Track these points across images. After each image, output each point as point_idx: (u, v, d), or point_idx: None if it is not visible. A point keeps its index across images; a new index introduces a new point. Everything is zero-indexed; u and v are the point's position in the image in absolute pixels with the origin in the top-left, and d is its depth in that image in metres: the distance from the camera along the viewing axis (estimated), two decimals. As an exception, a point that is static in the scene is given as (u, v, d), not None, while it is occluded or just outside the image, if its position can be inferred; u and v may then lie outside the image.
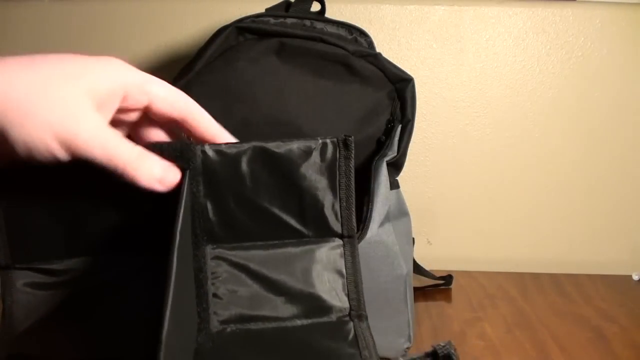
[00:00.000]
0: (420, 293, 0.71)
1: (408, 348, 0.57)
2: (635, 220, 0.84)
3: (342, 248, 0.43)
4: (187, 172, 0.39)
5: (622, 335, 0.62)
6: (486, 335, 0.62)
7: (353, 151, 0.42)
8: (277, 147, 0.41)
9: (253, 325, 0.42)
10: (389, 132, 0.61)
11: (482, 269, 0.81)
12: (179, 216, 0.35)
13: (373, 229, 0.54)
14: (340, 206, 0.43)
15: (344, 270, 0.43)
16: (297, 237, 0.43)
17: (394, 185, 0.62)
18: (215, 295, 0.41)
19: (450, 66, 0.81)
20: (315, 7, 0.64)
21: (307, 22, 0.60)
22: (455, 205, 0.84)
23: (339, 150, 0.42)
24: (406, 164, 0.63)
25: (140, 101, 0.38)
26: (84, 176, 0.37)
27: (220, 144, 0.41)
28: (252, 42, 0.58)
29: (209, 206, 0.41)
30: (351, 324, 0.42)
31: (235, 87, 0.58)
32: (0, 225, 0.39)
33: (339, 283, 0.43)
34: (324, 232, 0.43)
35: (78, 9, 0.81)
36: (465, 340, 0.61)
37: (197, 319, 0.41)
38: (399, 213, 0.60)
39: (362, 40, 0.62)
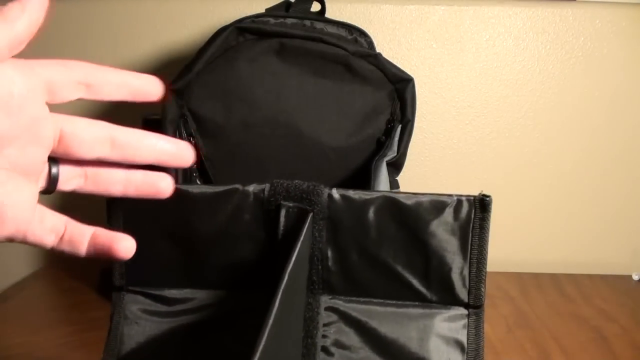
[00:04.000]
0: (420, 293, 0.71)
1: None
2: (635, 220, 0.84)
3: (466, 319, 0.39)
4: (310, 214, 0.37)
5: (622, 335, 0.62)
6: (486, 335, 0.62)
7: (490, 213, 0.39)
8: (408, 198, 0.38)
9: None
10: (389, 132, 0.61)
11: (482, 269, 0.80)
12: (292, 257, 0.33)
13: (373, 229, 0.54)
14: (470, 272, 0.39)
15: (465, 344, 0.39)
16: (418, 300, 0.39)
17: (394, 185, 0.62)
18: (324, 348, 0.39)
19: (450, 66, 0.81)
20: (315, 7, 0.64)
21: (307, 22, 0.60)
22: (455, 205, 0.84)
23: (475, 211, 0.39)
24: (406, 164, 0.63)
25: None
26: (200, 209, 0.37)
27: (348, 190, 0.38)
28: (252, 43, 0.58)
29: (330, 254, 0.39)
30: None
31: (235, 88, 0.58)
32: None
33: (457, 357, 0.39)
34: (448, 299, 0.39)
35: (78, 9, 0.81)
36: (465, 340, 0.61)
37: None
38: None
39: (362, 40, 0.62)
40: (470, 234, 0.39)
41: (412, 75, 0.60)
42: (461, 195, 0.39)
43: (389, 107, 0.61)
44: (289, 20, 0.59)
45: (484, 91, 0.81)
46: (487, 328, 0.63)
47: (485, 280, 0.39)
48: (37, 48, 0.89)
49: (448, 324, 0.39)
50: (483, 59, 0.81)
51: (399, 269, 0.39)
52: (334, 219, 0.38)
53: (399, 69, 0.60)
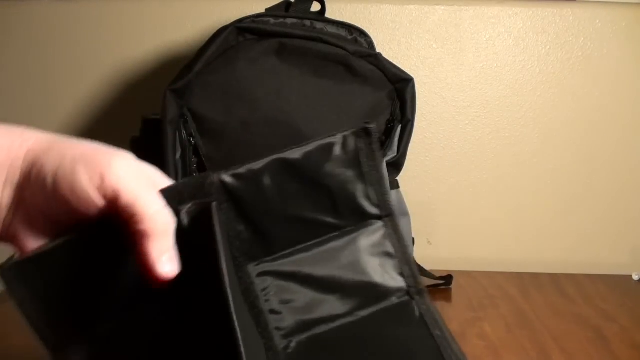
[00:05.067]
0: (421, 293, 0.71)
1: None
2: (635, 220, 0.84)
3: (384, 229, 0.42)
4: (214, 204, 0.37)
5: (622, 335, 0.62)
6: (486, 335, 0.62)
7: (375, 136, 0.41)
8: (295, 153, 0.40)
9: (317, 330, 0.40)
10: (389, 132, 0.61)
11: (482, 269, 0.80)
12: (219, 249, 0.33)
13: (373, 229, 0.54)
14: (375, 190, 0.41)
15: (391, 250, 0.42)
16: (336, 232, 0.41)
17: (394, 185, 0.62)
18: (271, 311, 0.40)
19: (450, 66, 0.81)
20: (316, 7, 0.64)
21: (307, 23, 0.60)
22: (455, 205, 0.84)
23: (360, 139, 0.41)
24: (406, 164, 0.63)
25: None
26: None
27: (235, 168, 0.39)
28: (252, 43, 0.58)
29: (243, 228, 0.40)
30: (413, 303, 0.41)
31: (235, 88, 0.58)
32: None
33: (389, 264, 0.41)
34: (362, 218, 0.41)
35: (78, 9, 0.81)
36: (465, 340, 0.61)
37: (261, 340, 0.39)
38: (399, 213, 0.60)
39: (362, 40, 0.62)
40: (362, 160, 0.41)
41: (412, 75, 0.60)
42: (344, 131, 0.41)
43: (389, 107, 0.61)
44: (289, 20, 0.59)
45: (484, 91, 0.81)
46: (487, 328, 0.64)
47: (389, 191, 0.42)
48: (37, 48, 0.90)
49: (370, 239, 0.41)
50: (483, 59, 0.81)
51: (310, 214, 0.40)
52: (235, 199, 0.39)
53: (399, 69, 0.60)
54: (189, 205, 0.37)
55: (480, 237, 0.85)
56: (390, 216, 0.42)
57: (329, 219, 0.41)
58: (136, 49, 0.82)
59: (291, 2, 0.63)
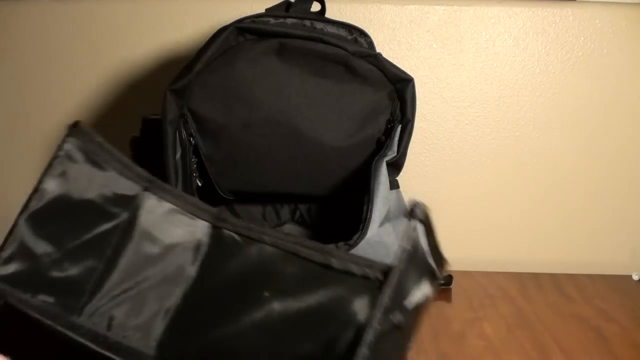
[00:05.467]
0: (421, 293, 0.71)
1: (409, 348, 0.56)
2: (635, 220, 0.84)
3: (154, 195, 0.43)
4: (8, 299, 0.36)
5: (622, 335, 0.62)
6: (486, 335, 0.62)
7: (85, 128, 0.41)
8: (38, 201, 0.40)
9: (170, 314, 0.41)
10: (389, 132, 0.61)
11: (482, 269, 0.80)
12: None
13: (373, 229, 0.54)
14: (120, 173, 0.42)
15: (172, 206, 0.42)
16: (118, 230, 0.42)
17: (394, 185, 0.62)
18: (125, 336, 0.40)
19: (450, 66, 0.81)
20: (316, 7, 0.64)
21: (307, 23, 0.60)
22: (455, 205, 0.84)
23: (78, 140, 0.41)
24: (406, 164, 0.63)
25: None
26: None
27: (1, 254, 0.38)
28: (252, 43, 0.58)
29: (44, 296, 0.39)
30: (223, 230, 0.42)
31: (235, 88, 0.58)
32: None
33: (180, 217, 0.43)
34: (129, 203, 0.42)
35: (78, 9, 0.81)
36: (465, 340, 0.61)
37: None
38: (399, 213, 0.60)
39: (362, 40, 0.62)
40: (94, 154, 0.41)
41: (412, 75, 0.60)
42: (61, 144, 0.40)
43: (389, 107, 0.61)
44: (289, 20, 0.59)
45: (484, 91, 0.81)
46: (487, 328, 0.64)
47: (133, 168, 0.42)
48: (37, 48, 0.90)
49: (150, 211, 0.42)
50: (483, 59, 0.81)
51: (88, 235, 0.40)
52: (19, 283, 0.38)
53: (399, 69, 0.60)
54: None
55: (480, 237, 0.85)
56: (151, 181, 0.42)
57: (105, 225, 0.41)
58: (136, 49, 0.82)
59: (291, 2, 0.63)
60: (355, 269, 0.36)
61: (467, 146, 0.83)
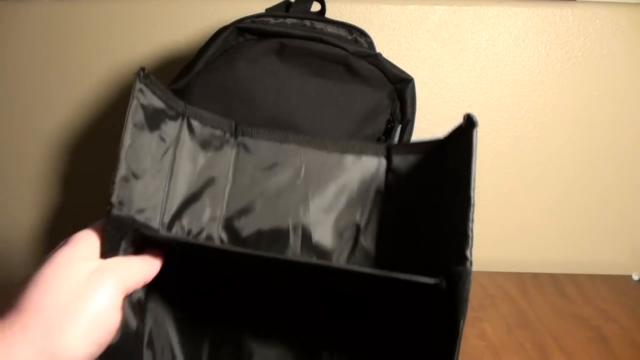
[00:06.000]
0: (421, 293, 0.71)
1: None
2: (635, 220, 0.84)
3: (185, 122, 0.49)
4: (142, 230, 0.41)
5: (622, 335, 0.62)
6: (486, 335, 0.62)
7: None
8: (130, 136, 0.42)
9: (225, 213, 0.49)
10: (389, 132, 0.61)
11: (482, 269, 0.80)
12: (182, 240, 0.40)
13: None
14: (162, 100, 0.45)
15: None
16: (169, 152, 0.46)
17: (394, 185, 0.62)
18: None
19: (450, 66, 0.81)
20: (316, 7, 0.64)
21: (307, 23, 0.60)
22: (455, 205, 0.84)
23: None
24: (406, 164, 0.63)
25: None
26: None
27: (113, 190, 0.41)
28: (252, 43, 0.58)
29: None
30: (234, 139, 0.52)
31: (235, 88, 0.58)
32: None
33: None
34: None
35: (78, 9, 0.81)
36: (465, 340, 0.61)
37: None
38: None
39: (362, 40, 0.62)
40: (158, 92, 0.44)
41: (412, 75, 0.60)
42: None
43: (389, 107, 0.61)
44: (289, 20, 0.59)
45: (484, 91, 0.81)
46: (487, 328, 0.64)
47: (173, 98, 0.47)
48: (37, 48, 0.89)
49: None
50: (483, 59, 0.81)
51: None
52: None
53: (399, 69, 0.60)
54: (123, 246, 0.40)
55: (480, 237, 0.85)
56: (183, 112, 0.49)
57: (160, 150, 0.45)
58: (136, 49, 0.82)
59: (291, 2, 0.63)
60: None
61: (467, 146, 0.83)
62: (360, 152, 0.51)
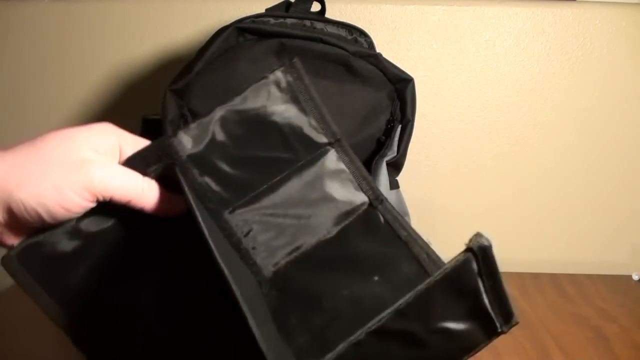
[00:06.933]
0: (421, 293, 0.71)
1: None
2: (635, 220, 0.84)
3: (336, 153, 0.46)
4: (177, 167, 0.41)
5: (622, 335, 0.62)
6: (486, 335, 0.62)
7: (301, 69, 0.44)
8: (234, 100, 0.44)
9: (296, 253, 0.44)
10: (388, 132, 0.61)
11: (482, 269, 0.80)
12: (194, 207, 0.36)
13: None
14: (316, 120, 0.45)
15: (347, 170, 0.46)
16: (294, 166, 0.45)
17: (394, 185, 0.62)
18: (254, 248, 0.44)
19: (450, 66, 0.81)
20: (316, 7, 0.64)
21: (307, 23, 0.60)
22: (455, 205, 0.84)
23: (289, 75, 0.44)
24: (406, 164, 0.63)
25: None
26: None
27: (188, 125, 0.43)
28: (252, 43, 0.58)
29: (208, 180, 0.43)
30: (377, 212, 0.45)
31: (235, 88, 0.57)
32: None
33: (348, 183, 0.46)
34: (312, 149, 0.45)
35: (78, 9, 0.81)
36: (465, 340, 0.61)
37: (251, 274, 0.43)
38: (399, 213, 0.60)
39: (362, 40, 0.62)
40: (299, 92, 0.44)
41: (412, 75, 0.60)
42: (274, 70, 0.44)
43: (389, 107, 0.61)
44: (289, 21, 0.59)
45: (484, 91, 0.81)
46: (487, 328, 0.64)
47: (330, 119, 0.45)
48: (37, 48, 0.89)
49: (326, 166, 0.45)
50: (483, 59, 0.81)
51: (265, 153, 0.44)
52: (192, 156, 0.43)
53: (399, 69, 0.60)
54: (154, 168, 0.41)
55: (480, 237, 0.85)
56: (338, 140, 0.46)
57: (284, 155, 0.45)
58: (136, 49, 0.82)
59: (291, 2, 0.63)
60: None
61: (467, 146, 0.83)
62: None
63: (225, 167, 0.43)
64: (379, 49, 0.63)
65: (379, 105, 0.60)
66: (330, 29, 0.60)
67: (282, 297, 0.43)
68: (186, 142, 0.42)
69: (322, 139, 0.45)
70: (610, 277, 0.79)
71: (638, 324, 0.65)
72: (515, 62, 0.81)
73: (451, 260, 0.36)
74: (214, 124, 0.43)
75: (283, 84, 0.44)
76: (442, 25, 0.80)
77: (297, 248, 0.44)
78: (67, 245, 0.40)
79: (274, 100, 0.44)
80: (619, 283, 0.77)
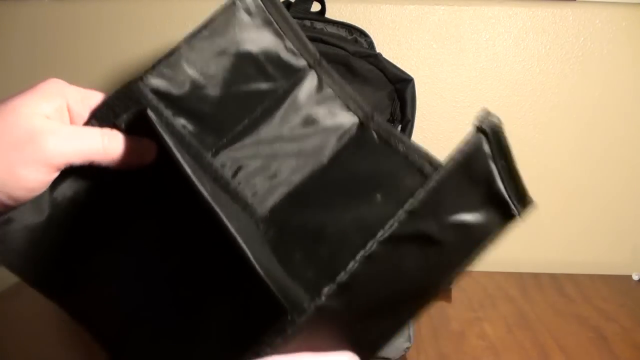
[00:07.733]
0: (420, 293, 0.71)
1: (408, 348, 0.57)
2: (635, 220, 0.84)
3: (317, 76, 0.43)
4: (148, 110, 0.38)
5: (622, 335, 0.62)
6: (486, 335, 0.62)
7: None
8: (201, 32, 0.42)
9: (290, 188, 0.42)
10: (389, 132, 0.61)
11: (482, 269, 0.80)
12: (169, 145, 0.34)
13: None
14: (293, 41, 0.42)
15: (331, 92, 0.43)
16: (274, 96, 0.42)
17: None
18: (244, 188, 0.42)
19: (450, 66, 0.81)
20: (316, 7, 0.64)
21: (307, 22, 0.60)
22: (455, 205, 0.84)
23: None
24: (406, 164, 0.63)
25: (81, 114, 0.39)
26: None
27: (154, 67, 0.41)
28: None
29: (185, 123, 0.41)
30: (370, 130, 0.42)
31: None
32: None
33: (335, 105, 0.43)
34: (292, 74, 0.42)
35: (78, 9, 0.81)
36: (465, 340, 0.61)
37: (247, 216, 0.41)
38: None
39: (362, 40, 0.62)
40: (271, 13, 0.41)
41: (412, 75, 0.60)
42: None
43: (389, 107, 0.61)
44: (289, 20, 0.59)
45: (484, 91, 0.81)
46: (487, 328, 0.64)
47: (306, 40, 0.42)
48: (37, 48, 0.89)
49: (308, 91, 0.43)
50: (483, 59, 0.81)
51: (243, 87, 0.41)
52: (165, 96, 0.40)
53: (399, 69, 0.60)
54: (124, 117, 0.39)
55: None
56: (318, 62, 0.43)
57: (263, 85, 0.42)
58: (136, 49, 0.82)
59: (291, 2, 0.63)
60: None
61: (467, 146, 0.83)
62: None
63: (201, 106, 0.41)
64: (379, 49, 0.63)
65: (379, 105, 0.60)
66: (330, 29, 0.60)
67: (282, 235, 0.40)
68: (155, 83, 0.40)
69: (301, 62, 0.42)
70: (611, 277, 0.79)
71: (638, 324, 0.65)
72: (515, 62, 0.81)
73: (460, 143, 0.33)
74: (183, 62, 0.41)
75: (252, 8, 0.41)
76: (442, 25, 0.80)
77: (290, 182, 0.42)
78: (40, 216, 0.37)
79: (244, 28, 0.41)
80: (619, 283, 0.77)
